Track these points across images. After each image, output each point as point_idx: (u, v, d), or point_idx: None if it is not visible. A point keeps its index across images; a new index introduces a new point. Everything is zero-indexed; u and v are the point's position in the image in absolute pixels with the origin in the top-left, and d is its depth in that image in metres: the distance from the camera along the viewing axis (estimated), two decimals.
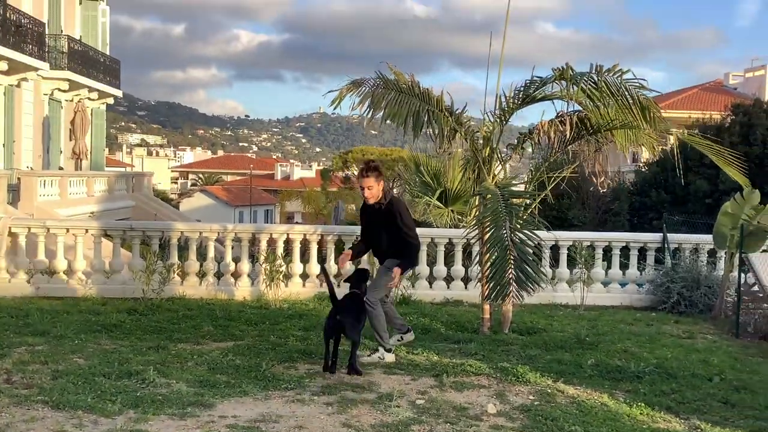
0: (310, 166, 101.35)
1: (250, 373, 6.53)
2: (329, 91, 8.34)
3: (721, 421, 5.82)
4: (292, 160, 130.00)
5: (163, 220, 23.30)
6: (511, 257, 7.23)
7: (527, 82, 8.17)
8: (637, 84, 7.48)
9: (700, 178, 28.56)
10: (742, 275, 11.19)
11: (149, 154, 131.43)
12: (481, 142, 8.95)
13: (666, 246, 11.96)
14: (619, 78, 7.47)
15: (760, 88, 40.68)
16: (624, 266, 12.12)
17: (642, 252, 12.25)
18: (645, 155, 35.36)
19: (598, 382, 6.77)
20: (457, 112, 8.66)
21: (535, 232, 10.28)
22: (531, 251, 7.50)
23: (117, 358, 6.91)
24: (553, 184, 8.80)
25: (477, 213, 8.61)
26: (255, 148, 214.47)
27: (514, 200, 7.97)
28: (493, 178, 8.89)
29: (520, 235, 7.47)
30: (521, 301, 7.82)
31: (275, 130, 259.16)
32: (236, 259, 11.71)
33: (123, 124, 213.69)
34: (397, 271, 7.08)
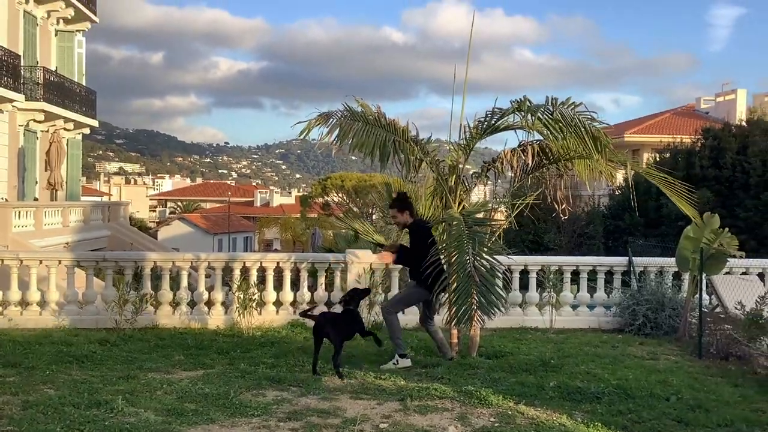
0: (290, 193, 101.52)
1: (218, 401, 6.65)
2: (297, 122, 8.57)
3: None
4: (271, 187, 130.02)
5: (139, 250, 23.37)
6: (474, 283, 7.43)
7: (488, 113, 8.44)
8: (589, 116, 7.78)
9: (672, 201, 29.10)
10: (706, 297, 11.51)
11: (127, 182, 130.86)
12: (447, 170, 9.20)
13: (632, 269, 12.24)
14: (573, 110, 7.75)
15: (731, 112, 41.52)
16: (592, 289, 12.37)
17: (610, 275, 12.51)
18: (619, 179, 35.92)
19: (559, 403, 6.96)
20: (422, 142, 8.91)
21: (499, 257, 10.61)
22: (493, 277, 7.71)
23: (87, 388, 7.01)
24: (517, 211, 9.03)
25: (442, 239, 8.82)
26: (234, 175, 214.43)
27: (478, 227, 8.18)
28: (459, 205, 9.12)
29: (483, 261, 7.67)
30: (483, 325, 8.03)
31: (255, 156, 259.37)
32: (210, 288, 11.84)
33: (101, 152, 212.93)
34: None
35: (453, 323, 7.83)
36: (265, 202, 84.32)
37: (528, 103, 7.86)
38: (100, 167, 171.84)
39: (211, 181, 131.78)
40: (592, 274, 12.41)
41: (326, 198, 59.21)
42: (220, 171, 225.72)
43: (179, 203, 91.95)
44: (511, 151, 8.79)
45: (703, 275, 10.77)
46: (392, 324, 8.44)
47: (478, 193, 10.64)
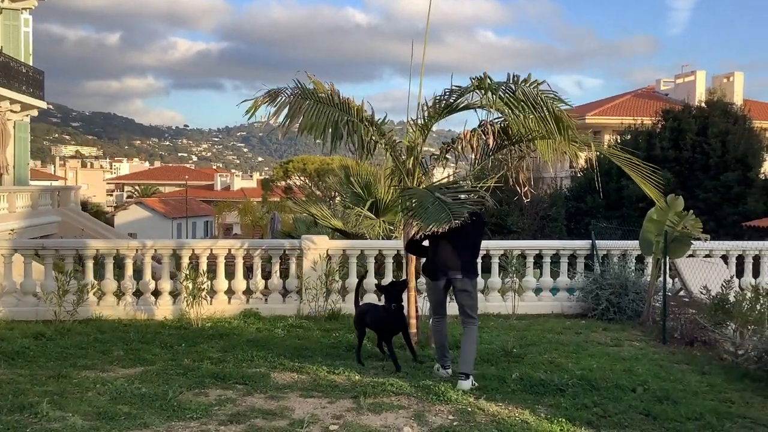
0: (251, 176, 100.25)
1: (155, 402, 6.14)
2: (243, 101, 7.98)
3: None
4: (233, 170, 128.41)
5: (90, 236, 22.53)
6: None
7: (446, 91, 7.97)
8: (552, 96, 7.36)
9: (633, 182, 29.08)
10: (670, 280, 11.27)
11: (84, 165, 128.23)
12: (404, 152, 8.72)
13: (595, 253, 11.95)
14: (536, 89, 7.33)
15: (690, 94, 41.68)
16: (555, 274, 12.06)
17: (573, 259, 12.22)
18: (581, 161, 35.88)
19: (521, 397, 6.58)
20: (377, 122, 8.41)
21: None
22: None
23: (12, 389, 6.44)
24: (477, 194, 8.58)
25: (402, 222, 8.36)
26: (195, 159, 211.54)
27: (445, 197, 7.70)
28: (417, 186, 8.64)
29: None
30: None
31: (216, 139, 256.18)
32: (157, 277, 11.26)
33: (57, 135, 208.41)
34: None
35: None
36: (225, 185, 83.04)
37: (489, 80, 7.41)
38: (56, 151, 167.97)
39: (170, 165, 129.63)
40: (555, 258, 12.10)
41: (288, 182, 58.42)
42: (179, 154, 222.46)
43: (137, 187, 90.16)
44: (471, 132, 8.32)
45: (667, 258, 10.50)
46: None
47: (441, 178, 10.19)
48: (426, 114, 8.33)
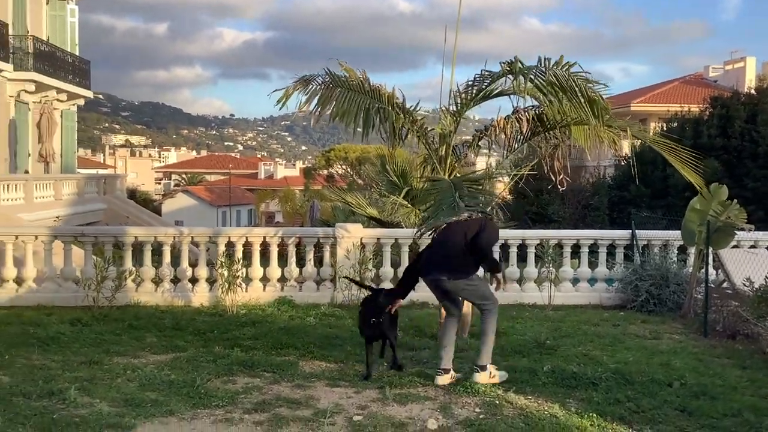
0: (294, 165, 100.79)
1: (182, 389, 6.16)
2: (275, 90, 7.95)
3: None
4: (277, 159, 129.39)
5: (136, 223, 22.84)
6: None
7: (476, 76, 7.82)
8: (584, 78, 7.14)
9: (677, 171, 28.41)
10: (713, 272, 10.95)
11: (133, 154, 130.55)
12: (437, 139, 8.60)
13: (635, 243, 11.68)
14: (567, 71, 7.12)
15: (740, 81, 40.53)
16: (594, 264, 11.83)
17: (612, 249, 11.96)
18: (626, 149, 35.18)
19: (552, 390, 6.44)
20: (409, 109, 8.30)
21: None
22: None
23: (43, 375, 6.53)
24: (512, 182, 8.45)
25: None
26: (240, 148, 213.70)
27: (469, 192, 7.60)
28: (450, 175, 8.52)
29: None
30: None
31: (261, 128, 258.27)
32: (194, 264, 11.34)
33: (107, 125, 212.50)
34: None
35: None
36: (269, 174, 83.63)
37: (519, 64, 7.22)
38: (106, 140, 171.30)
39: (216, 154, 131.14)
40: (594, 248, 11.85)
41: (330, 170, 58.58)
42: (225, 143, 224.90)
43: (184, 176, 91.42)
44: (505, 119, 8.17)
45: (710, 249, 10.20)
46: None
47: (479, 170, 10.06)
48: (459, 101, 8.19)
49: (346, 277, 9.57)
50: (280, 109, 7.90)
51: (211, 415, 5.58)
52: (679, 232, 11.11)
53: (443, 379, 6.55)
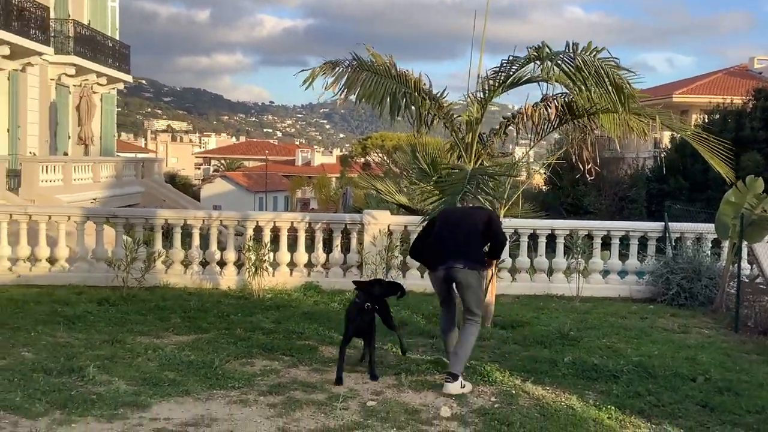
0: (331, 152, 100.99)
1: (200, 370, 6.20)
2: (301, 70, 7.93)
3: (696, 427, 5.39)
4: (315, 146, 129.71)
5: (172, 207, 23.09)
6: None
7: (503, 62, 7.71)
8: (613, 63, 6.98)
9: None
10: (747, 266, 10.70)
11: (174, 140, 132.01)
12: (463, 127, 8.52)
13: (667, 235, 11.45)
14: (594, 56, 6.97)
15: None
16: (624, 256, 11.64)
17: (644, 241, 11.75)
18: (666, 141, 34.54)
19: (571, 381, 6.35)
20: (436, 95, 8.23)
21: (524, 221, 9.93)
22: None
23: (66, 352, 6.63)
24: (538, 171, 8.34)
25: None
26: (279, 134, 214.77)
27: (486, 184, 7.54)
28: (477, 161, 8.44)
29: None
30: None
31: (299, 116, 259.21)
32: (223, 248, 11.43)
33: (149, 110, 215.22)
34: None
35: None
36: (306, 161, 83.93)
37: (547, 49, 7.10)
38: (148, 125, 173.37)
39: (254, 140, 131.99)
40: (626, 240, 11.65)
41: (366, 158, 58.52)
42: (265, 130, 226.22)
43: (223, 161, 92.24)
44: (533, 106, 8.06)
45: (744, 243, 9.96)
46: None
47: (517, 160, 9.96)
48: (486, 87, 8.09)
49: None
50: (306, 89, 7.88)
51: (227, 396, 5.61)
52: (713, 225, 10.88)
53: (455, 387, 5.96)
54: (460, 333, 6.35)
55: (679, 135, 7.74)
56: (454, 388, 5.89)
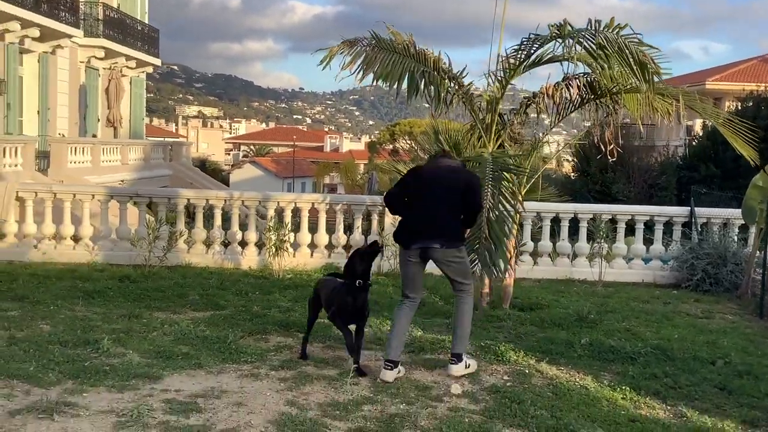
0: (360, 139, 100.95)
1: (214, 345, 6.23)
2: (318, 49, 7.88)
3: (712, 409, 5.29)
4: (344, 133, 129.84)
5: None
6: (483, 237, 6.81)
7: (524, 40, 7.59)
8: (636, 40, 6.83)
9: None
10: None
11: (204, 125, 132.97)
12: (485, 107, 8.43)
13: (693, 220, 11.26)
14: (617, 33, 6.83)
15: None
16: (649, 241, 11.47)
17: (669, 227, 11.57)
18: (698, 128, 33.97)
19: (587, 362, 6.27)
20: (456, 74, 8.13)
21: (547, 204, 9.82)
22: (504, 234, 7.08)
23: (83, 325, 6.70)
24: (557, 153, 8.22)
25: None
26: (308, 121, 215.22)
27: (505, 172, 7.46)
28: (496, 142, 8.35)
29: (497, 213, 7.01)
30: (495, 275, 7.45)
31: (329, 102, 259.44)
32: (245, 228, 11.47)
33: (180, 96, 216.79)
34: None
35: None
36: (334, 147, 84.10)
37: (569, 26, 6.97)
38: (180, 110, 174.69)
39: (283, 126, 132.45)
40: (651, 225, 11.48)
41: (394, 144, 58.41)
42: (294, 116, 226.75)
43: (252, 147, 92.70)
44: (554, 86, 7.93)
45: None
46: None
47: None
48: (506, 66, 7.98)
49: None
50: (323, 69, 7.82)
51: (238, 370, 5.62)
52: (740, 210, 10.67)
53: (390, 375, 5.53)
54: (454, 310, 5.92)
55: (710, 122, 7.52)
56: (458, 369, 5.67)
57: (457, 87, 8.12)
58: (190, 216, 12.09)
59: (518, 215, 8.26)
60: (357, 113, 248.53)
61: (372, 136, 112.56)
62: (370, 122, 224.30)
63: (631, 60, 6.63)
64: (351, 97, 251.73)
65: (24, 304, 7.49)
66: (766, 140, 27.87)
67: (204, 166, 46.88)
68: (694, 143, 31.41)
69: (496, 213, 7.02)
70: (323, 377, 5.53)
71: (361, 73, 7.79)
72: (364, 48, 7.92)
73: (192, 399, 4.91)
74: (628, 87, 7.41)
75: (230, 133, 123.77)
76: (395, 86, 7.78)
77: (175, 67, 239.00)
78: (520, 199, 8.22)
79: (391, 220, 11.05)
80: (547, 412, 4.96)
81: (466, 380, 5.63)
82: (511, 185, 7.64)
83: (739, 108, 30.13)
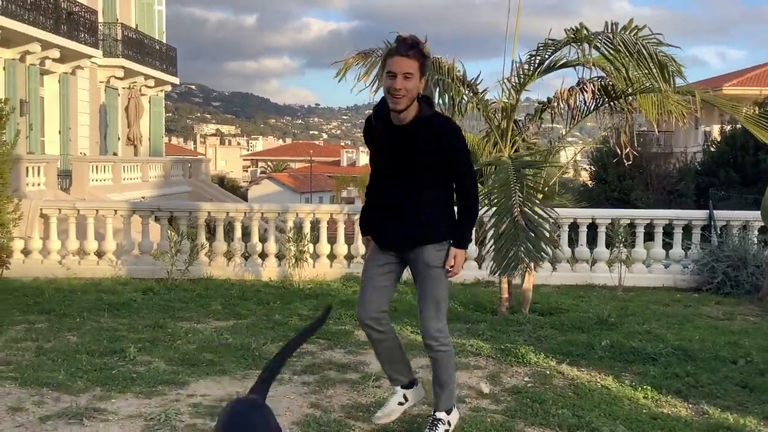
0: None
1: (238, 351, 6.32)
2: (335, 62, 8.01)
3: (734, 406, 5.30)
4: (360, 147, 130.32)
5: None
6: (521, 228, 6.80)
7: (539, 45, 7.67)
8: (655, 40, 6.89)
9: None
10: None
11: (222, 143, 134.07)
12: (500, 113, 8.51)
13: (712, 223, 11.25)
14: (635, 35, 6.90)
15: None
16: (668, 245, 11.46)
17: (688, 230, 11.56)
18: (716, 133, 33.83)
19: (608, 364, 6.30)
20: (470, 81, 8.23)
21: (565, 209, 9.85)
22: (542, 222, 7.07)
23: (109, 335, 6.82)
24: (573, 158, 8.28)
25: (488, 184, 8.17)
26: (325, 136, 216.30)
27: (527, 171, 7.49)
28: (512, 147, 8.42)
29: (530, 205, 7.03)
30: (520, 276, 7.46)
31: (345, 117, 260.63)
32: (264, 240, 11.59)
33: (198, 114, 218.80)
34: (457, 256, 4.22)
35: (498, 273, 7.20)
36: (351, 161, 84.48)
37: (585, 30, 7.04)
38: (198, 129, 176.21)
39: (300, 142, 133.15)
40: (670, 230, 11.47)
41: None
42: (311, 132, 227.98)
43: (269, 163, 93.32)
44: (569, 90, 8.01)
45: None
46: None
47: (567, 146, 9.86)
48: (521, 72, 8.06)
49: None
50: (339, 81, 7.95)
51: None
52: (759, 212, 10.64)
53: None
54: (432, 368, 4.54)
55: (729, 128, 7.55)
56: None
57: (472, 94, 8.20)
58: (211, 230, 12.25)
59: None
60: None
61: None
62: None
63: (650, 62, 6.68)
64: (366, 111, 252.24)
65: (51, 317, 7.64)
66: None
67: (222, 183, 47.36)
68: (712, 149, 31.29)
69: (529, 206, 7.00)
70: (345, 381, 5.60)
71: (376, 84, 7.90)
72: (378, 58, 8.04)
73: (218, 403, 5.00)
74: (643, 87, 7.45)
75: (248, 150, 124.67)
76: None
77: (193, 87, 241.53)
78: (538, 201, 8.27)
79: None
80: (568, 411, 5.00)
81: (488, 382, 5.67)
82: (534, 181, 7.67)
83: (757, 112, 29.99)
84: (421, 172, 4.13)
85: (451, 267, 4.24)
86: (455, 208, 4.31)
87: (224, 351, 6.37)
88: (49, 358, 5.97)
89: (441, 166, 4.12)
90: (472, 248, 11.20)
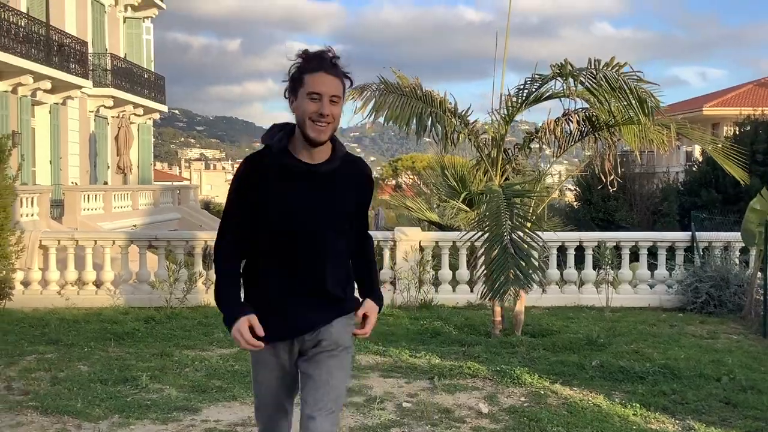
0: None
1: (245, 378, 6.56)
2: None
3: (719, 422, 5.61)
4: None
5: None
6: (510, 255, 7.13)
7: (527, 79, 8.07)
8: (635, 77, 7.31)
9: (752, 175, 27.70)
10: None
11: (207, 167, 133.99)
12: (490, 142, 8.88)
13: (695, 245, 11.63)
14: (617, 71, 7.31)
15: None
16: (653, 266, 11.83)
17: (672, 251, 11.94)
18: (697, 153, 34.46)
19: (598, 383, 6.61)
20: (461, 113, 8.60)
21: (553, 233, 10.20)
22: (530, 250, 7.39)
23: (119, 364, 7.05)
24: (561, 184, 8.64)
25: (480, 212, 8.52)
26: None
27: (517, 200, 7.85)
28: (502, 176, 8.78)
29: (520, 233, 7.36)
30: (510, 300, 7.75)
31: None
32: None
33: (182, 139, 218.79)
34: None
35: (488, 297, 7.52)
36: None
37: (569, 66, 7.44)
38: (182, 154, 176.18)
39: None
40: (653, 250, 11.85)
41: (397, 179, 59.02)
42: None
43: None
44: (555, 121, 8.40)
45: None
46: None
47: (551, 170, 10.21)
48: (510, 104, 8.44)
49: None
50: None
51: None
52: (739, 233, 11.04)
53: None
54: None
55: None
56: None
57: (463, 125, 8.57)
58: (204, 258, 12.48)
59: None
60: (358, 150, 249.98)
61: (374, 172, 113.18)
62: (372, 158, 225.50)
63: (631, 97, 7.07)
64: (351, 134, 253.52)
65: (59, 347, 7.86)
66: (765, 163, 28.29)
67: (209, 207, 47.40)
68: (694, 169, 31.86)
69: (519, 234, 7.33)
70: (351, 404, 5.87)
71: (372, 116, 8.26)
72: (373, 93, 8.41)
73: (231, 428, 5.26)
74: (626, 119, 7.85)
75: (233, 174, 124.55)
76: (404, 127, 8.24)
77: (177, 111, 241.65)
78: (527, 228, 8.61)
79: (403, 255, 11.44)
80: (563, 428, 5.30)
81: (486, 403, 5.96)
82: (523, 210, 8.01)
83: (737, 133, 30.63)
84: (342, 226, 3.19)
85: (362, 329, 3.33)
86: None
87: (231, 377, 6.63)
88: (65, 387, 6.20)
89: (352, 217, 3.28)
90: (464, 272, 11.56)
